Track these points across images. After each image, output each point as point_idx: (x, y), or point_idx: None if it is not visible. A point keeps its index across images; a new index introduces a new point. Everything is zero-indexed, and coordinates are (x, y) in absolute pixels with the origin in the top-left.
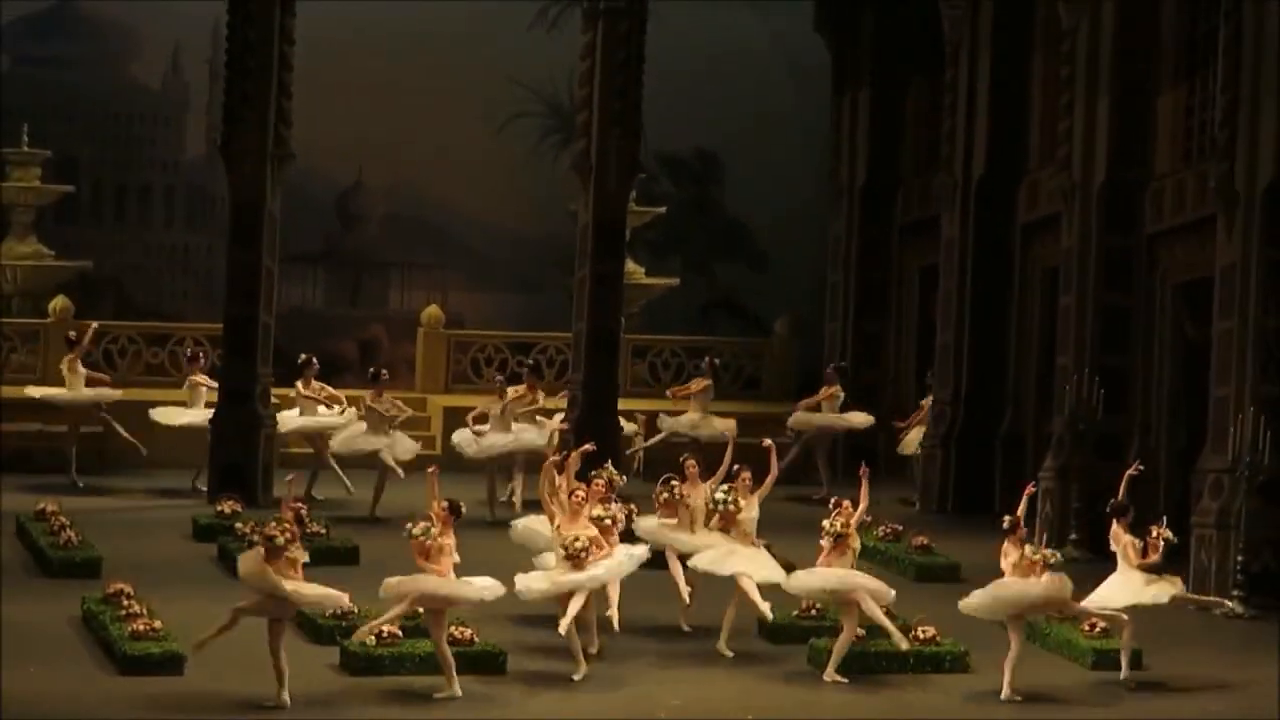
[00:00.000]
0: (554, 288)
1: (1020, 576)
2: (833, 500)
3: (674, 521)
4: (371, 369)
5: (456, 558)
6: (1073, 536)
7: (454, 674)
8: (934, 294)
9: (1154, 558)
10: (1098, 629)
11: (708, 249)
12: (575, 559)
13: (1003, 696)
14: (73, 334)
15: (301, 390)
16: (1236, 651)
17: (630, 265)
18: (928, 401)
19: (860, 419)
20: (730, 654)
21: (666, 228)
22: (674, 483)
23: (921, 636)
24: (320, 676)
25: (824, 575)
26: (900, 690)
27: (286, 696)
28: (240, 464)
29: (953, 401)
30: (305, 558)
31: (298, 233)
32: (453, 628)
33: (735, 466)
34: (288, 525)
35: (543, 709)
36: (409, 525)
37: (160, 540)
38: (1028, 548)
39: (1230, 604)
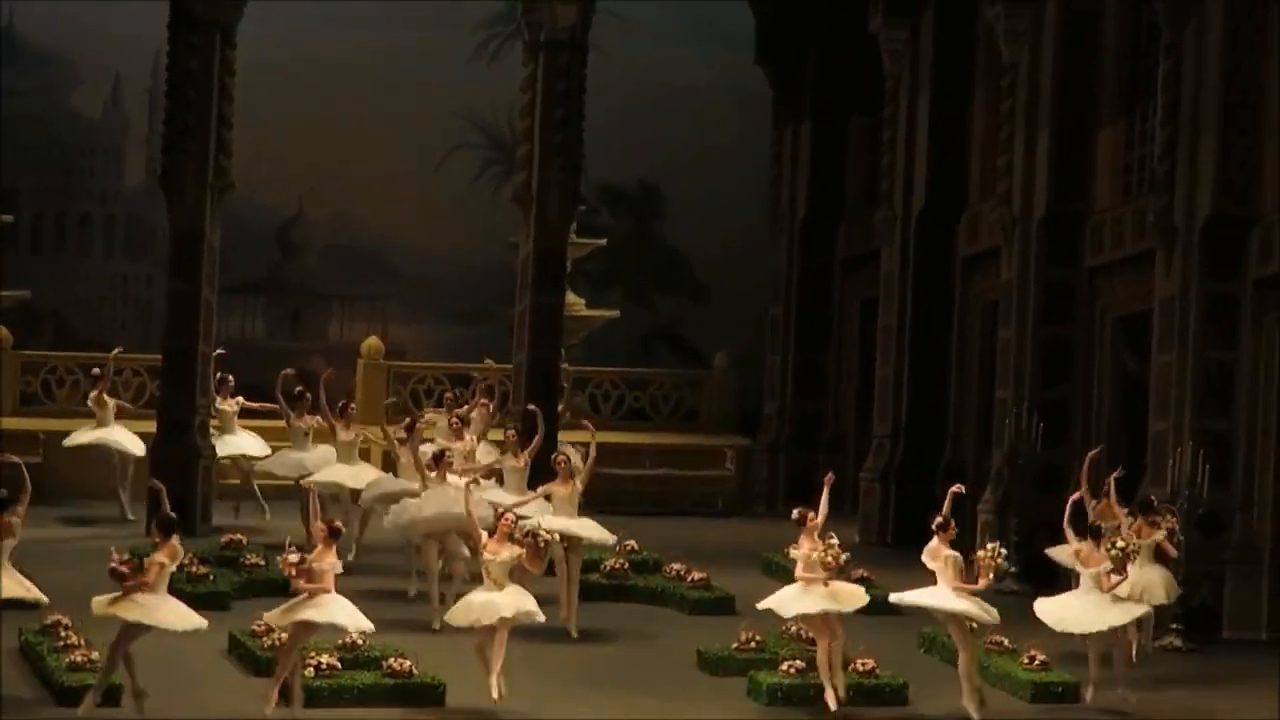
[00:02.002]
0: (495, 319)
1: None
2: None
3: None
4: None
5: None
6: (1011, 569)
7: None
8: (875, 327)
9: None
10: (1036, 661)
11: (649, 281)
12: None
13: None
14: None
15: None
16: (1182, 684)
17: (571, 297)
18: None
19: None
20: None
21: (607, 259)
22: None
23: (861, 669)
24: (257, 707)
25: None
26: None
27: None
28: (179, 495)
29: (893, 435)
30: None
31: (239, 263)
32: (393, 659)
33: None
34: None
35: None
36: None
37: (98, 571)
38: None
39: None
